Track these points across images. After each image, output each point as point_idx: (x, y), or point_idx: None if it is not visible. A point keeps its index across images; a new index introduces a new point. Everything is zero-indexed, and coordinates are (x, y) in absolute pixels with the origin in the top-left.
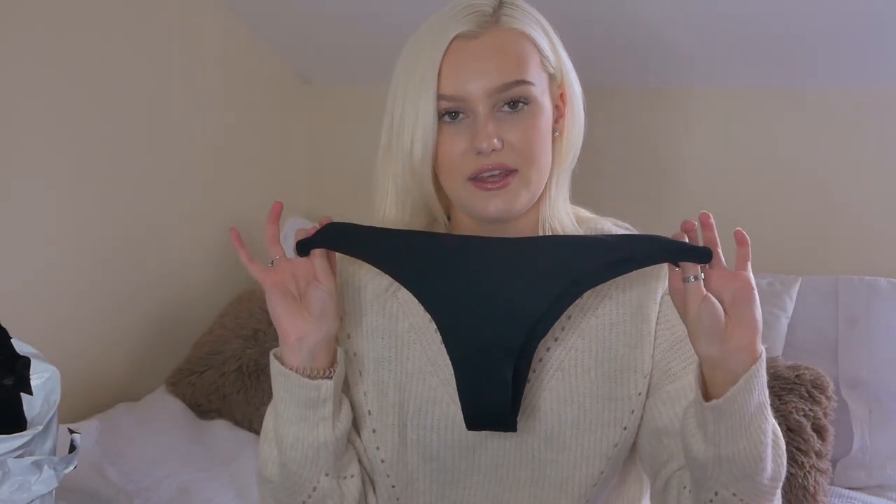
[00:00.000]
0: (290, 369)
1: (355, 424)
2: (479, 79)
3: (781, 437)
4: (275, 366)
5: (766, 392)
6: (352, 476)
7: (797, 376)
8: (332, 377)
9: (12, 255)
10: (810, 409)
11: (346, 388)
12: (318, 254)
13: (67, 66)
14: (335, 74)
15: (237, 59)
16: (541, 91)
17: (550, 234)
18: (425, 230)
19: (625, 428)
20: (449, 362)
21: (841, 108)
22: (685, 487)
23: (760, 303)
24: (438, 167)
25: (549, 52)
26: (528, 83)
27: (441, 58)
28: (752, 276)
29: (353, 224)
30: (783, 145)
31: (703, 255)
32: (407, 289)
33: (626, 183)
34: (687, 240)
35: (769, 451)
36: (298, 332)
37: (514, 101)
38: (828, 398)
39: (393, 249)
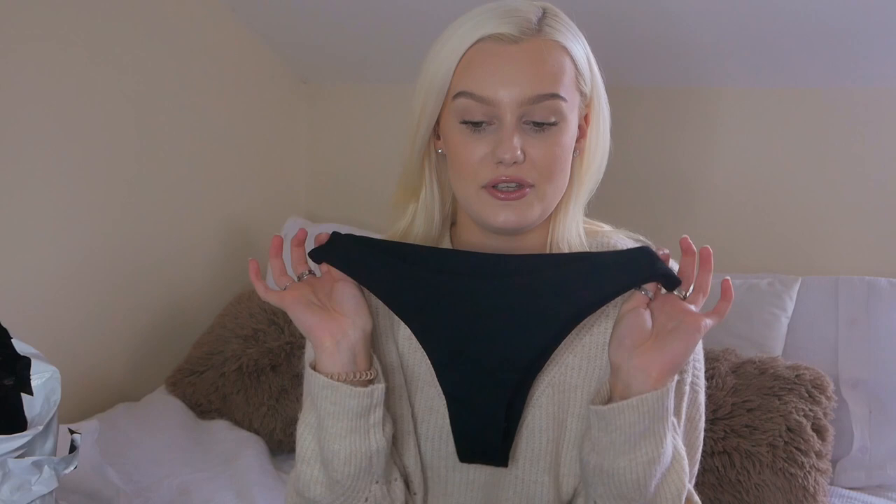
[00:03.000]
0: (334, 379)
1: None
2: (513, 86)
3: (681, 481)
4: (317, 380)
5: (668, 428)
6: (396, 479)
7: (797, 376)
8: (379, 379)
9: (13, 256)
10: (810, 409)
11: None
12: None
13: (67, 67)
14: (334, 74)
15: (236, 59)
16: (570, 108)
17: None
18: (432, 245)
19: None
20: None
21: (844, 108)
22: (580, 494)
23: (761, 302)
24: (454, 170)
25: (587, 71)
26: (562, 98)
27: (474, 42)
28: (707, 323)
29: (357, 240)
30: (787, 145)
31: (670, 284)
32: (405, 324)
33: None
34: (671, 261)
35: (653, 483)
36: (334, 333)
37: (540, 122)
38: (828, 398)
39: (393, 283)
